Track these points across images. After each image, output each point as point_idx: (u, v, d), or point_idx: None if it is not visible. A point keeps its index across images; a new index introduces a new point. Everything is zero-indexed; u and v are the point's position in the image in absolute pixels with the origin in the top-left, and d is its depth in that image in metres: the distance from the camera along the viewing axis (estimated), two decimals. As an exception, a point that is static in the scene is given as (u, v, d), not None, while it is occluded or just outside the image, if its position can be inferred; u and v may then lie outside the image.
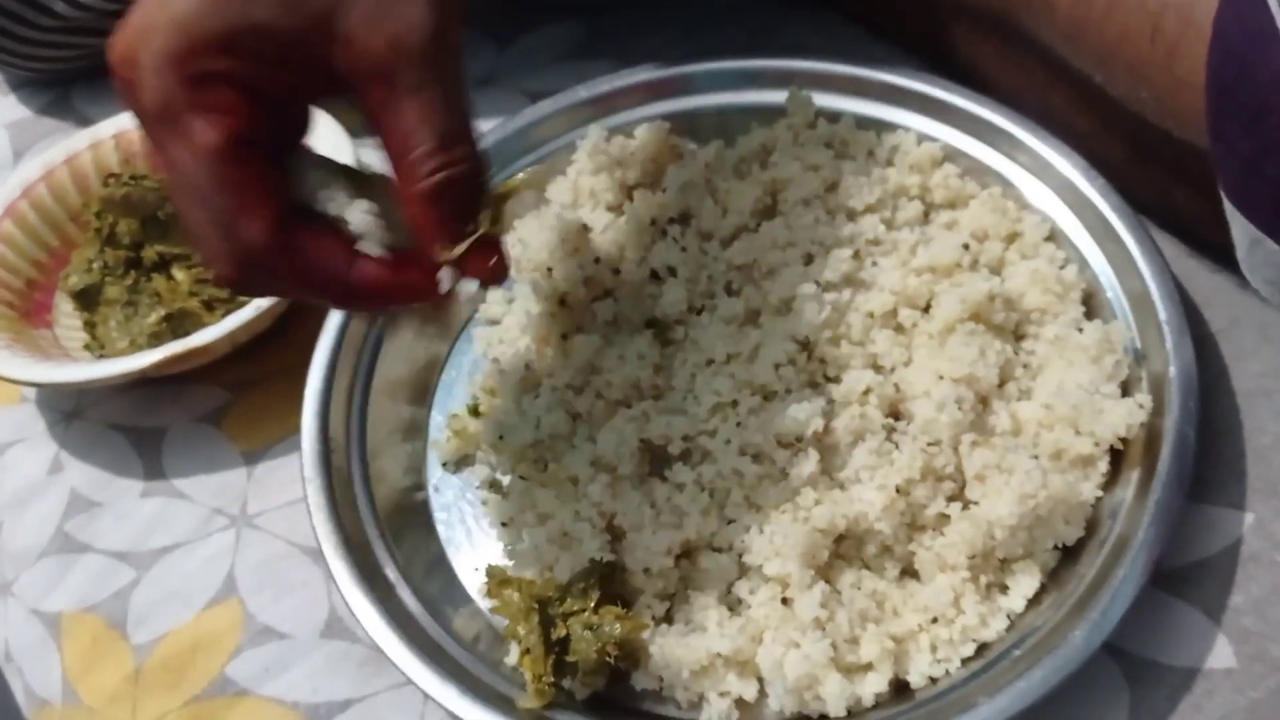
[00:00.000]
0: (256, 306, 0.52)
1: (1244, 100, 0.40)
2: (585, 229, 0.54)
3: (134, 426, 0.57)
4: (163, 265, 0.57)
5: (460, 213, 0.38)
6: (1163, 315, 0.47)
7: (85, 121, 0.70)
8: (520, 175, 0.57)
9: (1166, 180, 0.51)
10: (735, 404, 0.47)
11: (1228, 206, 0.43)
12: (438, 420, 0.54)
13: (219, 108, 0.36)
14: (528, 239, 0.53)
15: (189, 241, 0.56)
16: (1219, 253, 0.46)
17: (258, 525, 0.52)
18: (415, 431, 0.53)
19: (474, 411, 0.52)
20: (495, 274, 0.39)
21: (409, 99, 0.37)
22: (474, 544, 0.50)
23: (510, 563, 0.48)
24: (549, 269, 0.52)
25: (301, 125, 0.41)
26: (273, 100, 0.37)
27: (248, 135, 0.36)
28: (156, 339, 0.55)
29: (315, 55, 0.36)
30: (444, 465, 0.52)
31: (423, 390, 0.55)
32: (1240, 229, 0.43)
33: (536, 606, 0.43)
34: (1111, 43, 0.48)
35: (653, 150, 0.57)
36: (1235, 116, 0.41)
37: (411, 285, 0.39)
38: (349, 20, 0.36)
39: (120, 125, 0.63)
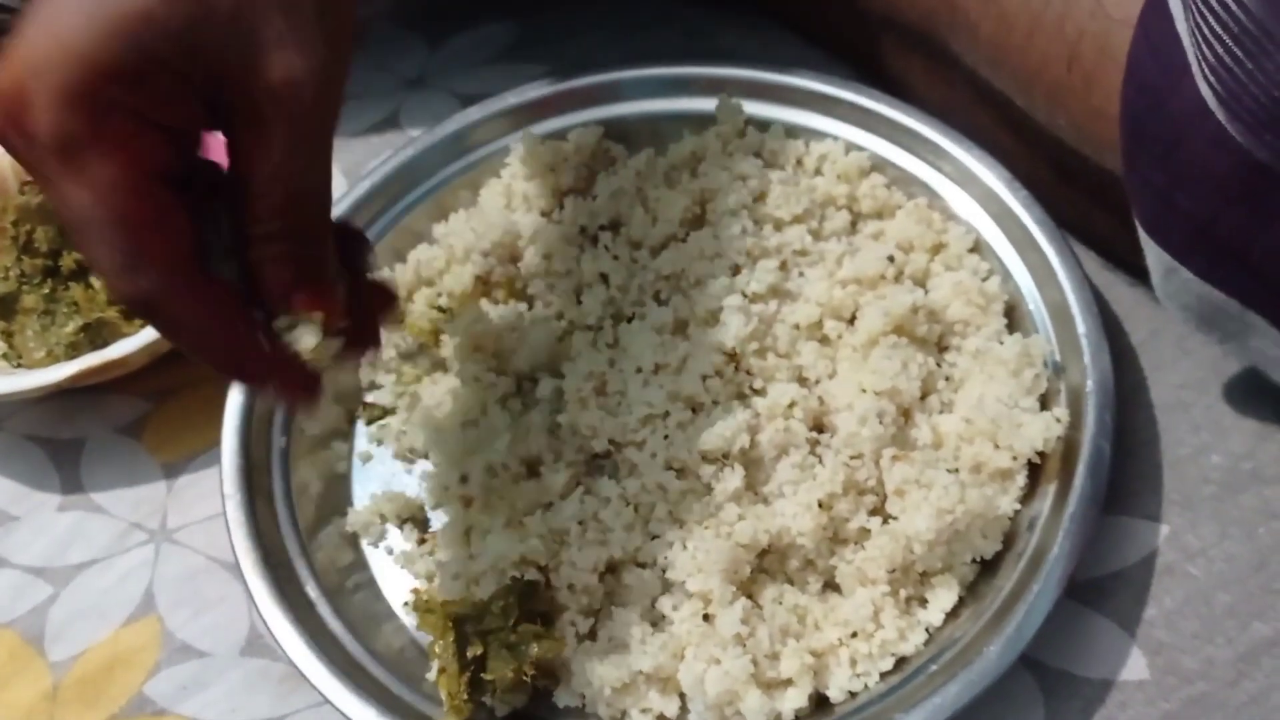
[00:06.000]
0: (175, 317, 0.51)
1: (1157, 132, 0.40)
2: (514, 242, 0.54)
3: (51, 438, 0.55)
4: (81, 273, 0.56)
5: (299, 280, 0.37)
6: (1081, 329, 0.47)
7: (5, 122, 0.68)
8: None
9: (1087, 204, 0.51)
10: (666, 415, 0.47)
11: (1142, 235, 0.43)
12: (363, 430, 0.53)
13: (119, 140, 0.34)
14: (454, 243, 0.53)
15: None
16: (1138, 271, 0.47)
17: (177, 540, 0.52)
18: (340, 443, 0.53)
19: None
20: (307, 392, 0.39)
21: (276, 149, 0.35)
22: (398, 559, 0.49)
23: (435, 580, 0.47)
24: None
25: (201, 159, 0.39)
26: (174, 132, 0.35)
27: (150, 169, 0.34)
28: (74, 349, 0.54)
29: (207, 88, 0.35)
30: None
31: (350, 401, 0.54)
32: (1155, 257, 0.43)
33: (452, 625, 0.42)
34: (1031, 68, 0.48)
35: (586, 155, 0.56)
36: (1148, 148, 0.41)
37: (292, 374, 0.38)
38: (238, 57, 0.34)
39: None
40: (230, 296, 0.37)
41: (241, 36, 0.34)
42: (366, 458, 0.52)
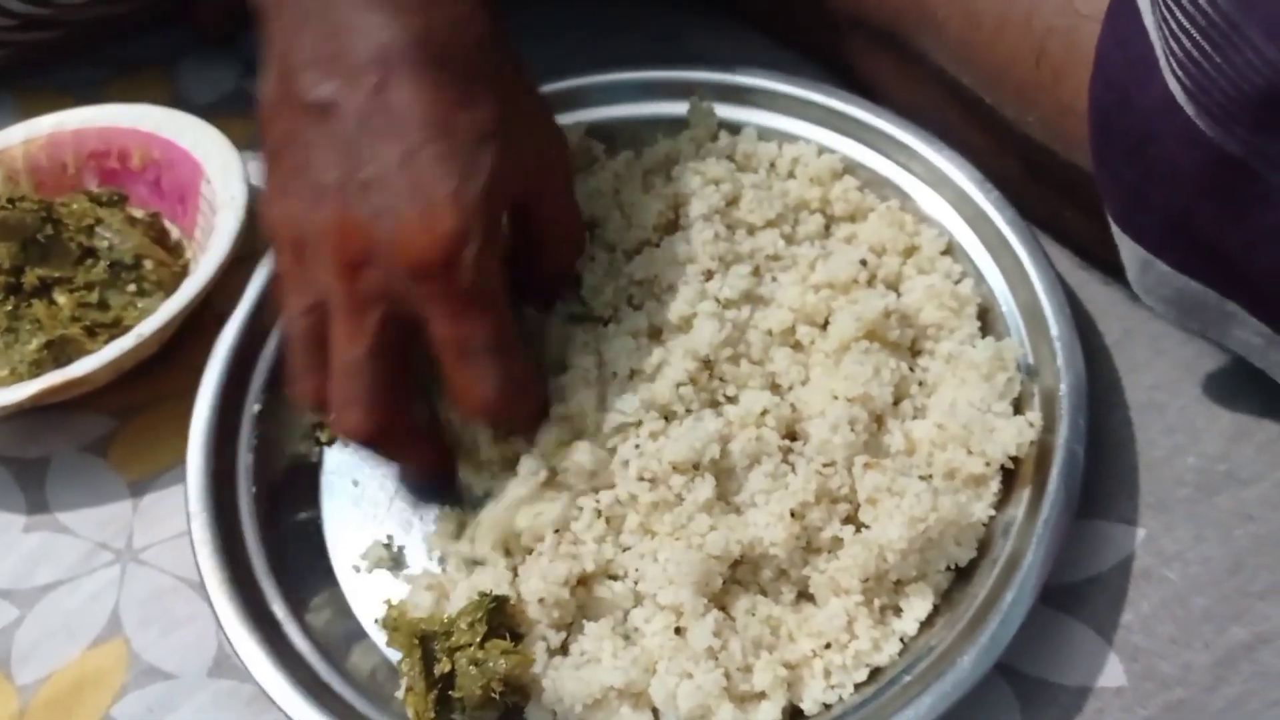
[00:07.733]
0: (138, 334, 0.51)
1: (1126, 128, 0.40)
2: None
3: (15, 457, 0.54)
4: (44, 290, 0.55)
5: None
6: (1054, 332, 0.46)
7: (-28, 136, 0.67)
8: None
9: (1058, 201, 0.51)
10: (639, 424, 0.46)
11: (1115, 231, 0.43)
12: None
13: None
14: None
15: (73, 266, 0.55)
16: (1111, 268, 0.46)
17: (143, 560, 0.51)
18: (309, 459, 0.52)
19: None
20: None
21: (560, 217, 0.49)
22: (369, 576, 0.49)
23: (406, 596, 0.47)
24: None
25: None
26: None
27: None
28: (38, 367, 0.53)
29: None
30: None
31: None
32: (1129, 252, 0.43)
33: (419, 642, 0.42)
34: (999, 65, 0.48)
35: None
36: (1118, 144, 0.41)
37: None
38: (538, 180, 0.45)
39: (6, 141, 0.61)
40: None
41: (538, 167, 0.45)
42: (335, 473, 0.51)
